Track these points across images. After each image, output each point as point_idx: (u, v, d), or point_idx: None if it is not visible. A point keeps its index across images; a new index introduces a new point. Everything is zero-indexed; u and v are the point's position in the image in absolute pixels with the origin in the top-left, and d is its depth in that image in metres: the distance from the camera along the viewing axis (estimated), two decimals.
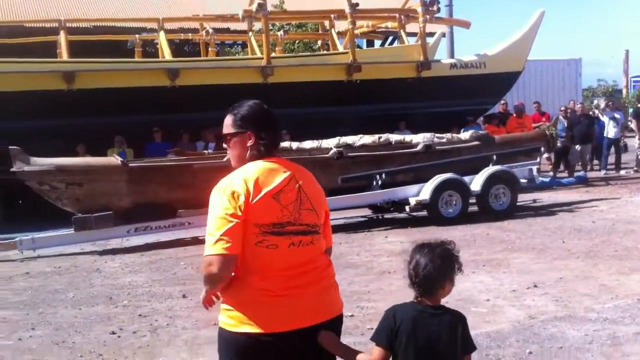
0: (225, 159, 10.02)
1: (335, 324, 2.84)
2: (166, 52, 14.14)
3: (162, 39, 14.55)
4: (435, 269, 2.57)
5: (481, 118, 16.29)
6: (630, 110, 20.75)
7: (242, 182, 2.69)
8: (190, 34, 17.40)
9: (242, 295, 2.70)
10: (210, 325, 5.80)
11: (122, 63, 13.96)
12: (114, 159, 10.21)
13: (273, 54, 14.75)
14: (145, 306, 6.61)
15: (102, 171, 9.72)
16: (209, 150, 11.75)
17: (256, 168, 2.77)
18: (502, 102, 16.39)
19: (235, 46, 22.43)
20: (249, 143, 2.81)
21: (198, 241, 9.71)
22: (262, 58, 13.68)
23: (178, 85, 13.03)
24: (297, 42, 19.54)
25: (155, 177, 9.86)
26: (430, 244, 2.66)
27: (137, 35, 16.18)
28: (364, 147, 11.08)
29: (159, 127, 13.04)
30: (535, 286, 6.79)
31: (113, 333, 5.80)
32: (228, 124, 2.87)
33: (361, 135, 11.22)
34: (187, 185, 9.71)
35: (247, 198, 2.66)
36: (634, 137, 17.15)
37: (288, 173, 2.80)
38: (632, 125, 17.02)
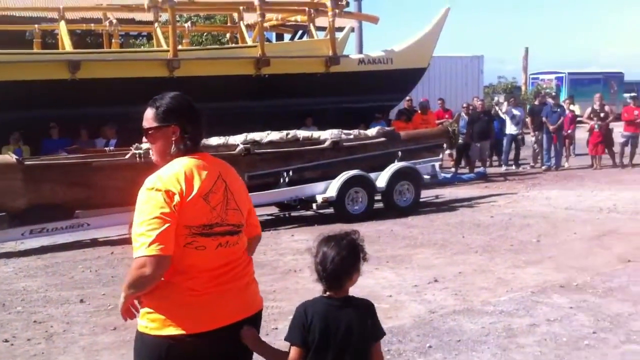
0: (127, 156, 9.77)
1: (256, 320, 2.85)
2: (67, 43, 13.60)
3: (62, 29, 13.99)
4: (343, 261, 2.60)
5: (393, 114, 16.61)
6: (528, 106, 21.65)
7: (175, 180, 2.63)
8: (92, 25, 16.76)
9: (167, 297, 2.64)
10: (108, 330, 5.64)
11: (19, 55, 13.28)
12: (9, 157, 9.68)
13: (180, 47, 14.45)
14: (40, 312, 6.32)
15: None
16: (110, 148, 11.36)
17: (185, 165, 2.70)
18: (408, 98, 16.75)
19: (140, 38, 21.84)
20: (173, 137, 2.74)
21: (97, 243, 9.42)
22: (169, 51, 13.38)
23: (79, 78, 12.53)
24: (205, 34, 19.24)
25: (52, 175, 9.40)
26: (335, 236, 2.69)
27: (36, 26, 15.51)
28: (271, 143, 11.02)
29: (56, 123, 12.48)
30: (436, 281, 6.99)
31: (6, 341, 5.52)
32: (149, 118, 2.77)
33: (268, 132, 11.16)
34: (86, 185, 9.36)
35: (181, 198, 2.60)
36: (528, 133, 17.90)
37: (215, 171, 2.76)
38: (528, 121, 17.74)
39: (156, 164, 2.81)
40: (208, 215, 2.66)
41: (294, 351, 2.59)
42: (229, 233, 2.72)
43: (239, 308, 2.74)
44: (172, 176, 2.64)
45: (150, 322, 2.65)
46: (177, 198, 2.59)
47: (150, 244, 2.53)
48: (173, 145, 2.74)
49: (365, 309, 2.67)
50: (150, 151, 2.85)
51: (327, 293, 2.64)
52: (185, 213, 2.60)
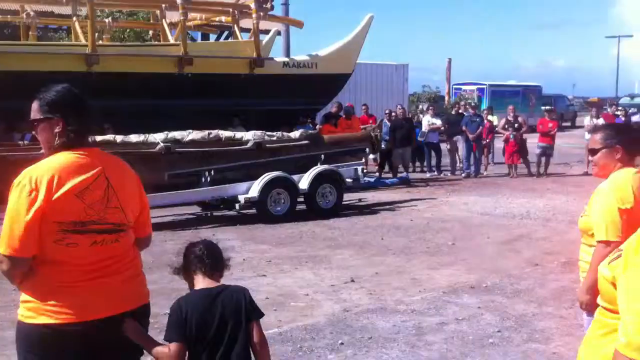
0: (42, 151, 9.47)
1: (142, 314, 2.83)
2: None
3: None
4: (216, 249, 2.90)
5: (320, 117, 16.70)
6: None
7: (43, 177, 2.57)
8: (9, 16, 16.16)
9: (39, 287, 2.62)
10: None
11: None
12: None
13: (100, 42, 14.09)
14: None
15: None
16: (25, 142, 10.97)
17: (61, 161, 2.64)
18: (336, 102, 16.91)
19: (60, 31, 21.18)
20: (57, 130, 2.68)
21: None
22: (87, 45, 13.04)
23: None
24: (127, 31, 18.83)
25: None
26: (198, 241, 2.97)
27: None
28: (193, 142, 10.92)
29: None
30: (353, 281, 7.09)
31: None
32: (35, 109, 2.73)
33: (190, 131, 11.04)
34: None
35: (46, 195, 2.55)
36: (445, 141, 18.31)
37: (97, 168, 2.70)
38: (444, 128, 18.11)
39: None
40: (81, 213, 2.62)
41: (174, 346, 2.64)
42: (107, 231, 2.69)
43: (117, 301, 2.71)
44: (42, 171, 2.60)
45: (25, 311, 2.65)
46: (42, 195, 2.54)
47: (7, 242, 2.55)
48: (57, 138, 2.69)
49: (239, 293, 2.77)
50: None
51: (201, 286, 2.76)
52: (53, 209, 2.56)
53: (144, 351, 2.84)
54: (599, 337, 2.06)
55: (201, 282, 2.77)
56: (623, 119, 19.85)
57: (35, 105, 2.73)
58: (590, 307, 3.37)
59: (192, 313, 2.64)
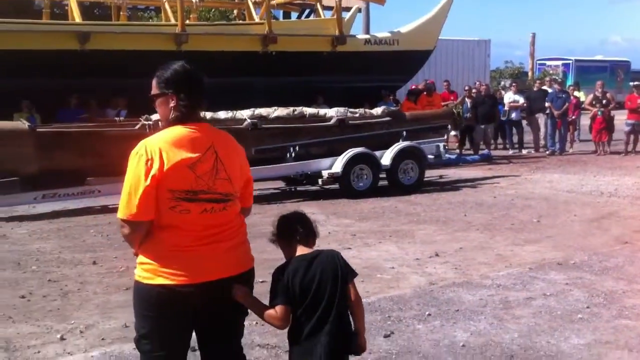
0: (137, 127, 9.94)
1: (248, 278, 3.03)
2: (76, 14, 13.68)
3: (71, 0, 14.06)
4: (308, 218, 3.08)
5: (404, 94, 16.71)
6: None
7: (157, 148, 2.79)
8: None
9: (156, 251, 2.85)
10: (121, 290, 5.85)
11: (29, 24, 13.38)
12: (21, 124, 9.88)
13: (187, 22, 14.55)
14: (54, 272, 6.55)
15: (8, 136, 9.41)
16: (121, 118, 11.54)
17: (174, 134, 2.86)
18: (424, 79, 16.84)
19: (148, 11, 21.89)
20: (171, 104, 2.90)
21: (107, 209, 9.61)
22: (176, 25, 13.49)
23: (88, 49, 12.65)
24: (212, 10, 19.28)
25: (64, 143, 9.62)
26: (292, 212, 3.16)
27: None
28: (278, 119, 11.19)
29: (75, 93, 12.65)
30: (437, 255, 7.18)
31: (22, 297, 5.75)
32: (153, 86, 2.96)
33: (275, 108, 11.31)
34: (96, 153, 9.55)
35: (161, 165, 2.76)
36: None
37: (207, 141, 2.90)
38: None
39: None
40: (192, 183, 2.82)
41: (280, 308, 2.84)
42: (215, 201, 2.88)
43: (226, 265, 2.91)
44: (158, 142, 2.81)
45: (142, 272, 2.88)
46: (156, 164, 2.75)
47: (126, 208, 2.78)
48: (171, 112, 2.91)
49: (333, 256, 2.96)
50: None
51: (299, 253, 2.93)
52: (167, 178, 2.77)
53: (248, 313, 3.07)
54: None
55: (299, 249, 2.95)
56: None
57: (154, 82, 2.96)
58: None
59: (295, 277, 2.83)
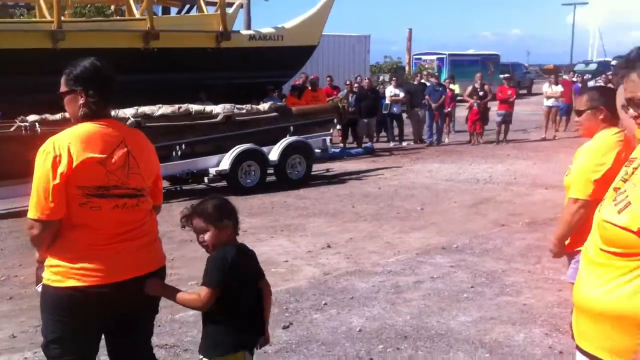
0: (12, 129, 9.45)
1: (160, 276, 3.03)
2: None
3: None
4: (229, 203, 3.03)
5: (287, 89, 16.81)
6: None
7: (66, 144, 2.74)
8: None
9: (67, 251, 2.79)
10: (4, 300, 5.60)
11: None
12: None
13: (64, 18, 13.94)
14: None
15: None
16: None
17: (83, 130, 2.82)
18: (302, 74, 17.00)
19: (19, 7, 20.74)
20: (80, 101, 2.85)
21: None
22: (52, 22, 12.90)
23: None
24: (88, 6, 18.57)
25: None
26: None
27: None
28: (163, 117, 10.96)
29: None
30: (329, 246, 7.37)
31: None
32: (62, 83, 2.91)
33: (160, 105, 11.08)
34: None
35: (69, 161, 2.71)
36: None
37: (117, 137, 2.88)
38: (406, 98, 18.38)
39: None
40: (103, 178, 2.79)
41: (208, 292, 2.81)
42: (128, 196, 2.87)
43: (140, 264, 2.90)
44: (66, 139, 2.77)
45: (51, 275, 2.81)
46: (64, 161, 2.72)
47: (36, 207, 2.73)
48: (80, 110, 2.87)
49: (253, 251, 3.05)
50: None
51: (231, 239, 2.93)
52: (77, 174, 2.73)
53: (158, 312, 3.06)
54: (612, 280, 2.04)
55: (227, 236, 2.90)
56: (580, 85, 20.39)
57: (62, 79, 2.91)
58: (558, 256, 3.70)
59: (234, 263, 2.82)
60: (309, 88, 16.45)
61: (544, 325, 4.91)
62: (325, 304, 5.45)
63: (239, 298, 2.87)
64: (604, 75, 22.23)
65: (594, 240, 2.15)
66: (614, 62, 33.79)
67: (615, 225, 2.03)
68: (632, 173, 2.11)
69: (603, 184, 3.04)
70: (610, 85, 14.50)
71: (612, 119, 3.41)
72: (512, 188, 10.97)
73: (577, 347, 2.22)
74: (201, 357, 2.90)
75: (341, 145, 16.54)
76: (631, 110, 2.10)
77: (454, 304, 5.39)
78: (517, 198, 10.10)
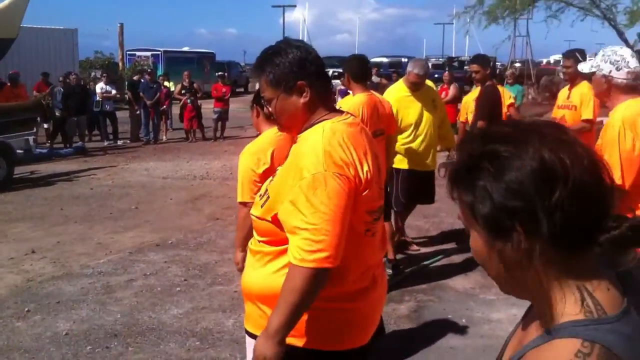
0: None
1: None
2: None
3: None
4: None
5: None
6: (127, 83, 21.90)
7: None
8: None
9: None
10: None
11: None
12: None
13: None
14: None
15: None
16: None
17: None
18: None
19: None
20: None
21: None
22: None
23: None
24: None
25: None
26: None
27: None
28: None
29: None
30: (34, 252, 6.87)
31: None
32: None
33: None
34: None
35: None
36: (127, 108, 18.19)
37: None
38: (128, 96, 17.99)
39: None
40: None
41: None
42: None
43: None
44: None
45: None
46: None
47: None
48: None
49: None
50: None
51: None
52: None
53: None
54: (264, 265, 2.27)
55: None
56: None
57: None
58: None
59: None
60: (8, 84, 15.11)
61: None
62: (29, 310, 5.08)
63: None
64: None
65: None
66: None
67: (256, 217, 2.27)
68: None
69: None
70: None
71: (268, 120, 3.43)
72: (228, 183, 11.25)
73: (246, 332, 2.39)
74: None
75: (48, 145, 15.50)
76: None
77: (166, 298, 5.38)
78: (232, 192, 10.23)
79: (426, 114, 6.07)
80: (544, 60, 51.85)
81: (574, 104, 6.28)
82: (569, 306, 1.02)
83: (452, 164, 1.11)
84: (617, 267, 1.05)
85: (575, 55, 6.21)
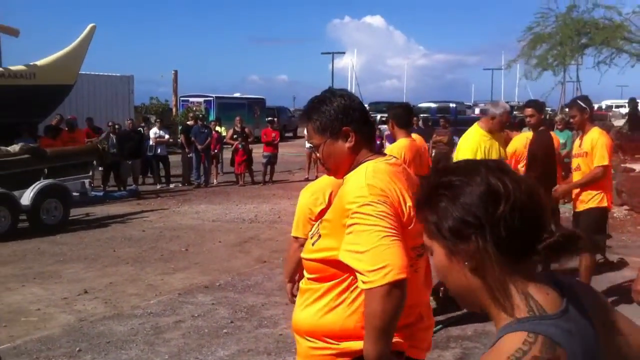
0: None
1: None
2: None
3: None
4: None
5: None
6: (180, 127, 22.41)
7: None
8: None
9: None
10: None
11: None
12: None
13: None
14: None
15: None
16: None
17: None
18: (57, 115, 16.15)
19: None
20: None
21: None
22: None
23: None
24: None
25: None
26: None
27: None
28: None
29: None
30: (86, 292, 7.03)
31: None
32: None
33: None
34: None
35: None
36: (180, 152, 18.62)
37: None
38: (181, 139, 18.40)
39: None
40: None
41: None
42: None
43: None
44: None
45: None
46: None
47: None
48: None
49: None
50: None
51: None
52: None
53: None
54: (312, 303, 2.33)
55: None
56: None
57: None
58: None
59: None
60: (66, 129, 15.65)
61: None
62: (80, 350, 5.19)
63: None
64: None
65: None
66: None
67: (306, 259, 2.37)
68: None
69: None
70: None
71: None
72: (276, 226, 11.36)
73: None
74: None
75: (102, 188, 15.93)
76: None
77: (213, 340, 5.43)
78: (280, 235, 10.46)
79: (503, 152, 6.18)
80: (595, 106, 51.13)
81: (585, 150, 6.21)
82: (515, 308, 1.23)
83: (417, 194, 1.39)
84: (554, 272, 1.31)
85: (579, 103, 6.20)
